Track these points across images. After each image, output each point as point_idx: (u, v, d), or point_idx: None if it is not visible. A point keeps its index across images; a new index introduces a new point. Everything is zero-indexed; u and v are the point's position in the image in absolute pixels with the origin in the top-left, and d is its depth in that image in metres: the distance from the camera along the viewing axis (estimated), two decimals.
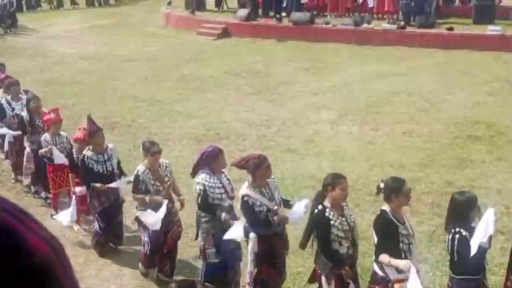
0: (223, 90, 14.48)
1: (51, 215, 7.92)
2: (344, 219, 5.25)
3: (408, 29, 19.15)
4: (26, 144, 8.53)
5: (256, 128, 11.59)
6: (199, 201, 6.03)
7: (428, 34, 18.38)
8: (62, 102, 13.41)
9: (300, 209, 5.75)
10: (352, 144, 10.66)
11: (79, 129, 7.40)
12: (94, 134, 6.99)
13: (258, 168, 5.65)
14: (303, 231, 5.59)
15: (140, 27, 24.46)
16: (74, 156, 7.38)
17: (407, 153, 10.07)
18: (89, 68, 17.13)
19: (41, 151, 7.98)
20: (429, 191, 8.59)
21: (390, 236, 4.99)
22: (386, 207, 5.12)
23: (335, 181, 5.23)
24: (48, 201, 8.46)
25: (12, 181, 9.55)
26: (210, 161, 6.05)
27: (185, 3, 25.26)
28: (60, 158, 7.79)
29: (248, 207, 5.66)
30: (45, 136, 7.87)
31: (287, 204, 5.98)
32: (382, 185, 5.19)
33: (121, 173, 7.18)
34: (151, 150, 6.39)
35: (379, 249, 5.06)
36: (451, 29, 18.29)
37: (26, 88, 10.02)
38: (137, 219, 6.53)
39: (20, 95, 8.97)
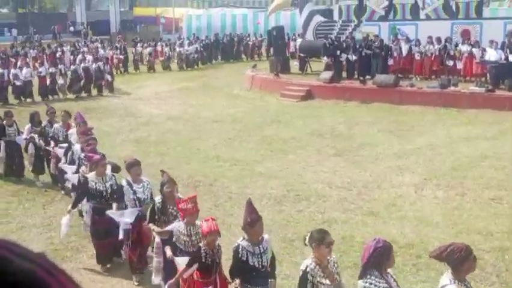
0: (305, 152, 14.49)
1: None
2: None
3: (497, 92, 18.61)
4: (156, 235, 7.09)
5: (338, 190, 11.44)
6: None
7: None
8: (149, 160, 13.87)
9: None
10: (437, 209, 10.28)
11: (206, 220, 6.08)
12: (254, 223, 5.74)
13: (465, 260, 4.66)
14: None
15: (225, 90, 25.19)
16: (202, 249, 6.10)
17: (495, 221, 9.57)
18: (176, 128, 17.69)
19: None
20: None
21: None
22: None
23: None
24: None
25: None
26: (381, 259, 4.88)
27: (270, 66, 25.90)
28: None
29: None
30: (179, 225, 6.60)
31: None
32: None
33: (273, 269, 6.05)
34: None
35: None
36: None
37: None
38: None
39: (141, 177, 7.79)
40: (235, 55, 38.12)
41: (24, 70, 23.30)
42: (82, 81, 24.56)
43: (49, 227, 9.82)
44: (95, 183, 8.11)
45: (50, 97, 23.63)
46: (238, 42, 38.81)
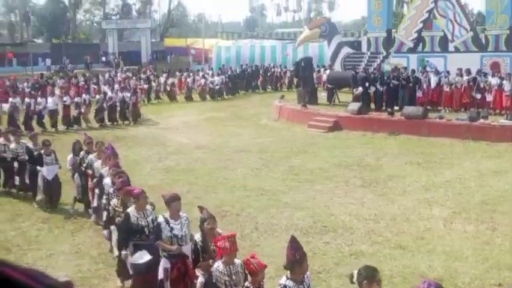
0: (332, 183, 14.45)
1: None
2: None
3: None
4: (200, 273, 6.71)
5: (365, 222, 11.35)
6: None
7: None
8: (177, 189, 13.92)
9: None
10: (467, 243, 10.11)
11: (252, 257, 5.92)
12: (303, 260, 5.60)
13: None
14: None
15: (253, 120, 25.35)
16: None
17: None
18: (203, 157, 17.81)
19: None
20: None
21: None
22: None
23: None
24: None
25: None
26: None
27: (297, 97, 26.04)
28: None
29: None
30: (218, 265, 6.24)
31: None
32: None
33: None
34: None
35: None
36: None
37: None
38: None
39: (179, 213, 7.38)
40: (260, 86, 38.43)
41: (50, 99, 23.73)
42: (106, 111, 24.94)
43: (77, 254, 9.92)
44: (137, 219, 7.69)
45: (76, 126, 24.05)
46: (263, 73, 39.14)
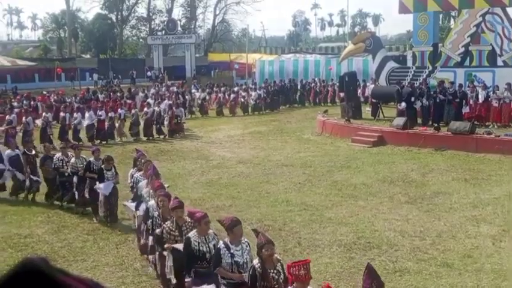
0: (376, 198, 14.24)
1: None
2: None
3: None
4: None
5: (410, 239, 11.12)
6: None
7: None
8: (219, 203, 14.03)
9: None
10: None
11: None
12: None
13: None
14: None
15: (296, 134, 25.29)
16: None
17: None
18: (246, 172, 17.83)
19: None
20: None
21: None
22: None
23: None
24: None
25: None
26: None
27: (341, 112, 25.87)
28: None
29: None
30: None
31: None
32: None
33: None
34: None
35: None
36: None
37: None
38: None
39: (241, 238, 6.87)
40: (298, 101, 38.35)
41: (87, 114, 24.10)
42: (141, 125, 25.21)
43: (121, 266, 10.03)
44: (198, 244, 7.15)
45: (110, 140, 24.32)
46: (302, 88, 39.04)
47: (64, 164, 13.64)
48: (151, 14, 76.50)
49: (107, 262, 10.25)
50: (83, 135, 23.82)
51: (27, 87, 42.60)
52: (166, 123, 25.89)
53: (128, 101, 33.68)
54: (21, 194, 14.96)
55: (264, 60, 49.87)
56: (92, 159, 13.17)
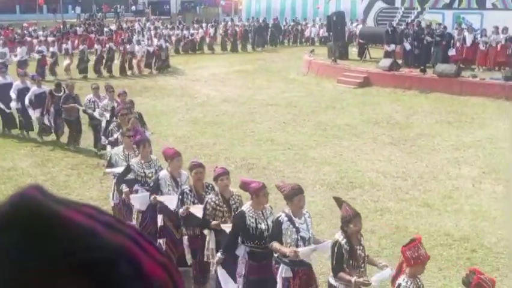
0: (359, 139, 14.32)
1: None
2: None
3: None
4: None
5: (392, 180, 11.27)
6: None
7: None
8: (203, 141, 14.04)
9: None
10: (495, 204, 9.99)
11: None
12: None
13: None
14: None
15: (282, 74, 25.10)
16: None
17: None
18: (231, 110, 17.77)
19: None
20: None
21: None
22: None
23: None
24: None
25: None
26: None
27: (328, 52, 25.62)
28: None
29: None
30: (403, 279, 5.16)
31: None
32: None
33: None
34: None
35: None
36: None
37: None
38: None
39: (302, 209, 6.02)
40: (280, 40, 37.88)
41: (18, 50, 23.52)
42: (135, 60, 24.94)
43: (106, 200, 10.05)
44: (256, 220, 5.99)
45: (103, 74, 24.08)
46: (289, 27, 38.51)
47: (96, 106, 12.55)
48: None
49: (91, 196, 10.28)
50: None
51: (8, 19, 41.46)
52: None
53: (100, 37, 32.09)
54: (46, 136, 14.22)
55: None
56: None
